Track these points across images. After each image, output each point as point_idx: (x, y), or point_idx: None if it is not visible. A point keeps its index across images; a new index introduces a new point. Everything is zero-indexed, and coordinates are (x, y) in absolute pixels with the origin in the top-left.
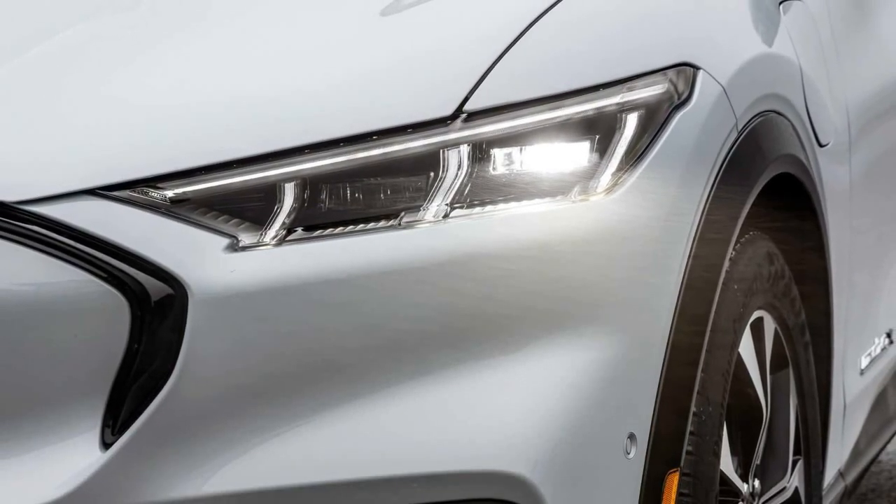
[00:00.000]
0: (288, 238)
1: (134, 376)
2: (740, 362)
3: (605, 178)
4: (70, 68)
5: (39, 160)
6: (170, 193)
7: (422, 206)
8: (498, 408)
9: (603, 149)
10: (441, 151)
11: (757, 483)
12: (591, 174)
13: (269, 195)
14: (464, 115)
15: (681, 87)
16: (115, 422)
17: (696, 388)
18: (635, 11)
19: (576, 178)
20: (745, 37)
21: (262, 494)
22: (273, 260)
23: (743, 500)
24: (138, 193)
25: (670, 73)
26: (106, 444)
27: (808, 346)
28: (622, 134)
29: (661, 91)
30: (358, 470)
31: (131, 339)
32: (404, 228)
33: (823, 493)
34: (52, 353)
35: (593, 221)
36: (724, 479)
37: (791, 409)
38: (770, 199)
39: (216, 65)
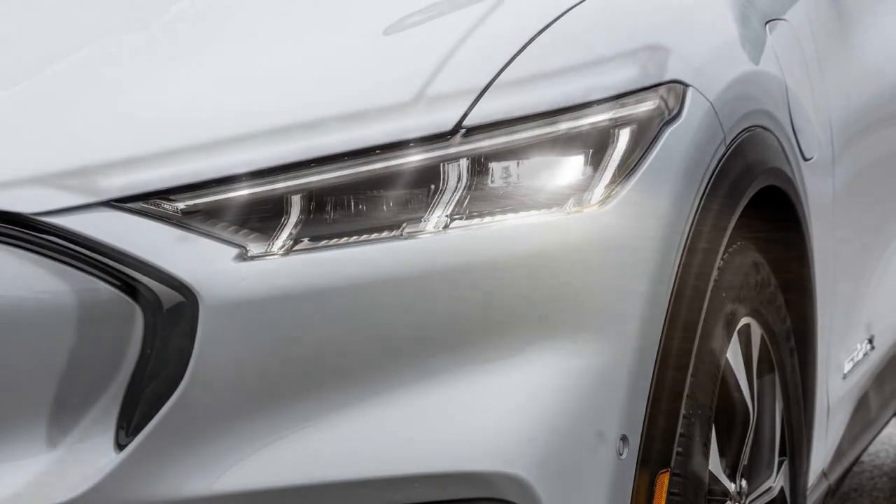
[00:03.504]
0: (295, 248)
1: (147, 380)
2: (728, 367)
3: (599, 190)
4: (86, 85)
5: (57, 174)
6: (181, 205)
7: (423, 217)
8: (496, 410)
9: (596, 162)
10: (441, 165)
11: (744, 483)
12: (585, 187)
13: (276, 207)
14: (463, 131)
15: (671, 103)
16: (129, 424)
17: (686, 391)
18: (627, 30)
19: (570, 190)
20: (733, 55)
21: (269, 493)
22: (280, 269)
23: (731, 500)
24: (151, 205)
25: (661, 89)
26: (120, 446)
27: (793, 352)
28: (615, 148)
29: (652, 107)
30: (362, 469)
31: (144, 344)
32: (406, 239)
33: (808, 492)
34: (69, 358)
35: (587, 232)
36: (713, 479)
37: (777, 412)
38: (756, 210)
39: (226, 82)
